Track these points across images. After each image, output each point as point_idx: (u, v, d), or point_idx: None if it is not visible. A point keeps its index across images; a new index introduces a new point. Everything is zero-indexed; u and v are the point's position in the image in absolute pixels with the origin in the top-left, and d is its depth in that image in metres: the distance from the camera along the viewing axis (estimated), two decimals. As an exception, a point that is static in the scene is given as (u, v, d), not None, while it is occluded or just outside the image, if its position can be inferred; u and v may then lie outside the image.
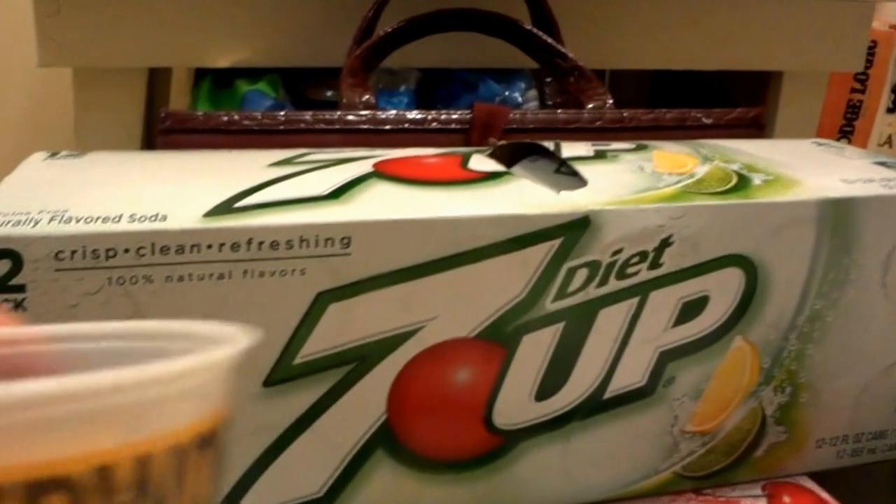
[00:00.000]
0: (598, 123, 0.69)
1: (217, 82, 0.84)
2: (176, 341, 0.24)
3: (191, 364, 0.21)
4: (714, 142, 0.64)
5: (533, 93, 0.83)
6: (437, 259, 0.47)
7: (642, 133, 0.68)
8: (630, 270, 0.51)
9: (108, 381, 0.19)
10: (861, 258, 0.56)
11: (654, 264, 0.51)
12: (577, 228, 0.49)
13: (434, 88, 0.85)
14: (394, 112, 0.66)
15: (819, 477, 0.62)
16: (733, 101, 0.73)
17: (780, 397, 0.58)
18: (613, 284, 0.51)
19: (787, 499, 0.60)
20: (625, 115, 0.69)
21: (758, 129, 0.72)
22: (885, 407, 0.62)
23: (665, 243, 0.51)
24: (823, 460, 0.62)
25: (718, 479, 0.59)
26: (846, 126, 1.23)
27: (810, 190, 0.55)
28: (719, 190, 0.53)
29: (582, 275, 0.50)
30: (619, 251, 0.50)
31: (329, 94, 0.82)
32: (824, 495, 0.60)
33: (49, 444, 0.18)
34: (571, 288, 0.50)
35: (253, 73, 0.83)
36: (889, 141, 1.26)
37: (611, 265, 0.50)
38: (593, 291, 0.51)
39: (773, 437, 0.59)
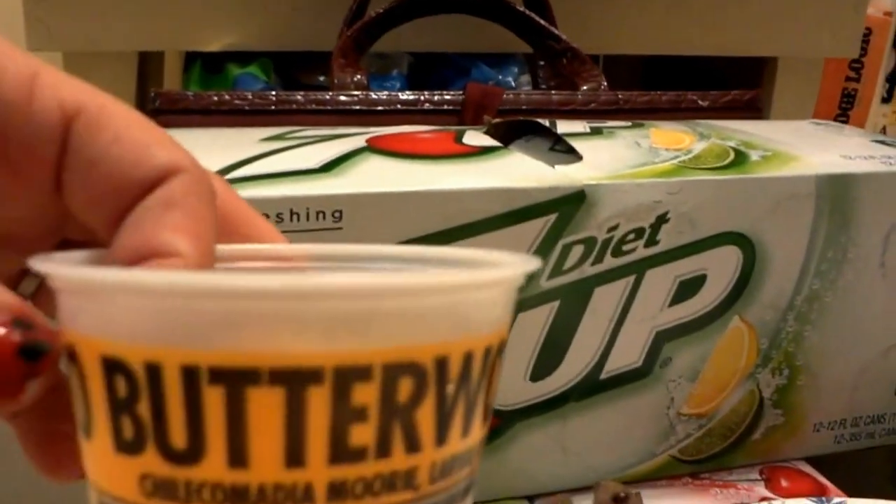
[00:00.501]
0: (592, 105, 0.68)
1: (207, 67, 0.83)
2: (459, 265, 0.27)
3: (506, 273, 0.24)
4: (710, 121, 0.64)
5: (526, 77, 0.82)
6: (430, 234, 0.46)
7: (637, 115, 0.67)
8: (626, 248, 0.50)
9: (462, 279, 0.23)
10: (859, 237, 0.55)
11: (651, 241, 0.51)
12: (571, 203, 0.48)
13: (426, 73, 0.84)
14: (386, 93, 0.65)
15: (817, 462, 0.61)
16: (727, 88, 0.72)
17: (778, 379, 0.57)
18: (609, 262, 0.50)
19: (784, 483, 0.59)
20: (620, 97, 0.69)
21: (754, 111, 0.71)
22: (883, 390, 0.61)
23: (661, 220, 0.50)
24: (821, 445, 0.61)
25: (715, 462, 0.59)
26: (841, 116, 1.23)
27: (809, 166, 0.54)
28: (716, 165, 0.53)
29: (577, 252, 0.49)
30: (614, 227, 0.50)
31: (321, 78, 0.82)
32: (822, 480, 0.59)
33: (405, 333, 0.22)
34: (567, 265, 0.49)
35: (244, 58, 0.82)
36: (884, 132, 1.26)
37: (606, 242, 0.50)
38: (589, 269, 0.50)
39: (771, 421, 0.59)
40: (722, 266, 0.53)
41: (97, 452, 0.23)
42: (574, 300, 0.50)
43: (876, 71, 1.21)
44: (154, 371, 0.21)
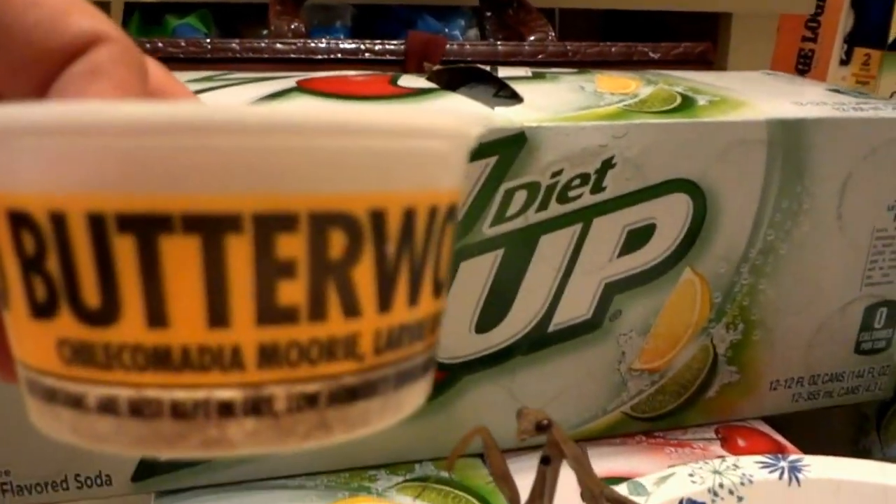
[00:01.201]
0: (540, 57, 0.66)
1: (146, 18, 0.81)
2: None
3: (440, 122, 0.22)
4: (659, 71, 0.62)
5: (474, 31, 0.81)
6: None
7: (587, 67, 0.65)
8: (572, 194, 0.48)
9: (392, 120, 0.21)
10: (814, 186, 0.54)
11: (597, 188, 0.49)
12: (511, 145, 0.46)
13: (370, 25, 0.82)
14: (325, 41, 0.63)
15: (776, 424, 0.60)
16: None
17: (732, 335, 0.56)
18: (554, 209, 0.48)
19: (741, 442, 0.58)
20: (568, 47, 0.67)
21: (705, 64, 0.70)
22: (841, 348, 0.60)
23: (607, 165, 0.49)
24: (778, 404, 0.60)
25: (669, 421, 0.57)
26: (798, 77, 1.22)
27: (759, 111, 0.52)
28: (663, 109, 0.51)
29: (521, 197, 0.48)
30: (559, 172, 0.48)
31: (265, 32, 0.80)
32: (779, 438, 0.58)
33: (332, 179, 0.20)
34: (510, 212, 0.48)
35: (182, 9, 0.80)
36: (843, 95, 1.25)
37: (551, 188, 0.48)
38: (533, 216, 0.48)
39: (725, 378, 0.57)
40: (672, 215, 0.51)
41: (16, 323, 0.22)
42: (519, 248, 0.49)
43: (833, 31, 1.20)
44: (59, 221, 0.20)
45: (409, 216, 0.22)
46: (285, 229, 0.20)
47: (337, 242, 0.21)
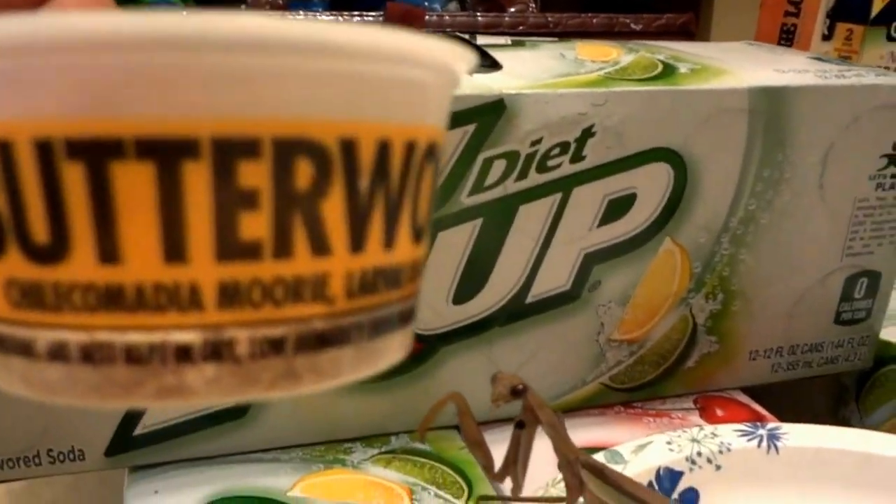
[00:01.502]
0: (520, 28, 0.66)
1: (121, -6, 0.80)
2: None
3: (436, 52, 0.21)
4: (642, 42, 0.62)
5: (454, 5, 0.80)
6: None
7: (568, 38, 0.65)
8: (551, 163, 0.48)
9: (366, 41, 0.19)
10: (796, 155, 0.53)
11: (577, 157, 0.48)
12: (490, 113, 0.46)
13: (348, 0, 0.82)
14: (303, 14, 0.63)
15: (755, 395, 0.60)
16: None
17: (712, 305, 0.56)
18: (534, 178, 0.48)
19: (719, 412, 0.58)
20: (549, 19, 0.67)
21: (687, 36, 0.70)
22: (821, 318, 0.60)
23: (587, 133, 0.48)
24: (758, 374, 0.60)
25: (648, 391, 0.57)
26: (781, 52, 1.21)
27: (740, 79, 0.52)
28: (644, 77, 0.51)
29: (499, 166, 0.47)
30: (538, 141, 0.47)
31: (242, 7, 0.79)
32: (758, 408, 0.58)
33: (300, 102, 0.19)
34: (488, 181, 0.47)
35: (159, -16, 0.79)
36: (825, 70, 1.24)
37: (530, 157, 0.47)
38: (512, 185, 0.48)
39: (705, 348, 0.57)
40: (652, 184, 0.51)
41: None
42: (497, 218, 0.48)
43: (816, 6, 1.20)
44: (6, 151, 0.18)
45: (383, 149, 0.20)
46: (247, 156, 0.19)
47: (304, 172, 0.19)
